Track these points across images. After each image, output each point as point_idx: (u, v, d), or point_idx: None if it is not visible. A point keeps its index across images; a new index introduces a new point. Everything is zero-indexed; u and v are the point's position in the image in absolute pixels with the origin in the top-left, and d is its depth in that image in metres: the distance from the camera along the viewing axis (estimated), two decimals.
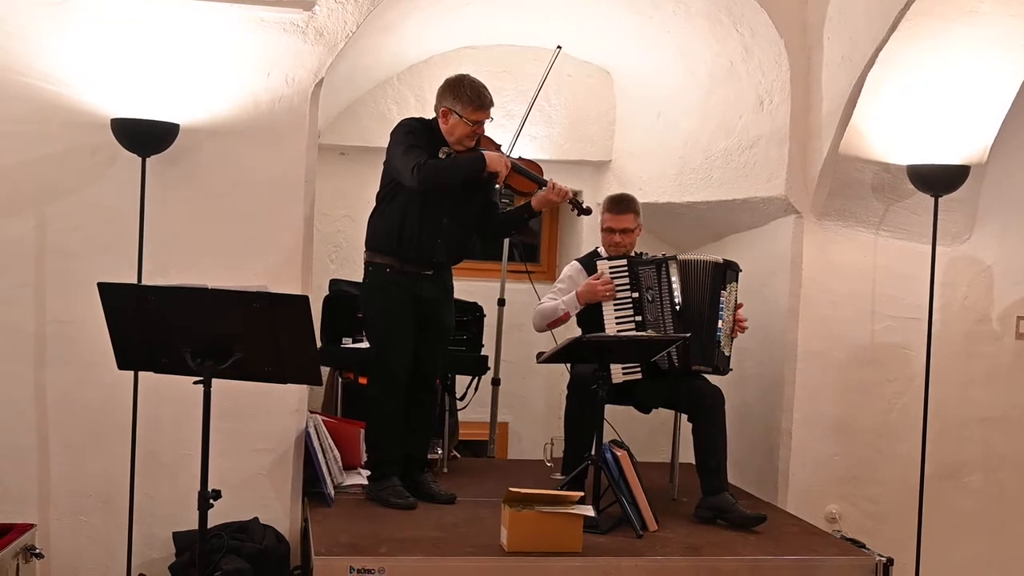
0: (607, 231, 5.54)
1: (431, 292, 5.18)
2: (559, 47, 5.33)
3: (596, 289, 5.34)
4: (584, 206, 5.35)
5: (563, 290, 5.53)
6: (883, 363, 5.95)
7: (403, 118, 5.30)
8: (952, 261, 5.97)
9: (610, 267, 5.38)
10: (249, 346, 3.66)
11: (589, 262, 5.55)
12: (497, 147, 5.22)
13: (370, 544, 4.48)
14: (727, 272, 5.38)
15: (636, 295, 5.34)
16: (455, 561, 4.40)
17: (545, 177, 5.27)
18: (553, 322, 5.51)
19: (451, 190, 5.04)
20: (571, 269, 5.65)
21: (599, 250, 5.66)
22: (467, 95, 5.04)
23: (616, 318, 5.33)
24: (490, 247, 6.78)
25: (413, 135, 5.05)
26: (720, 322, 5.33)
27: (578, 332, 5.43)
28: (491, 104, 5.10)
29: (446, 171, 5.00)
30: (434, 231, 5.08)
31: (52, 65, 4.85)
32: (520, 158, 5.30)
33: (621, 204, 5.56)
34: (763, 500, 5.77)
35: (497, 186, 5.27)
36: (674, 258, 5.39)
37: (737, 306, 5.43)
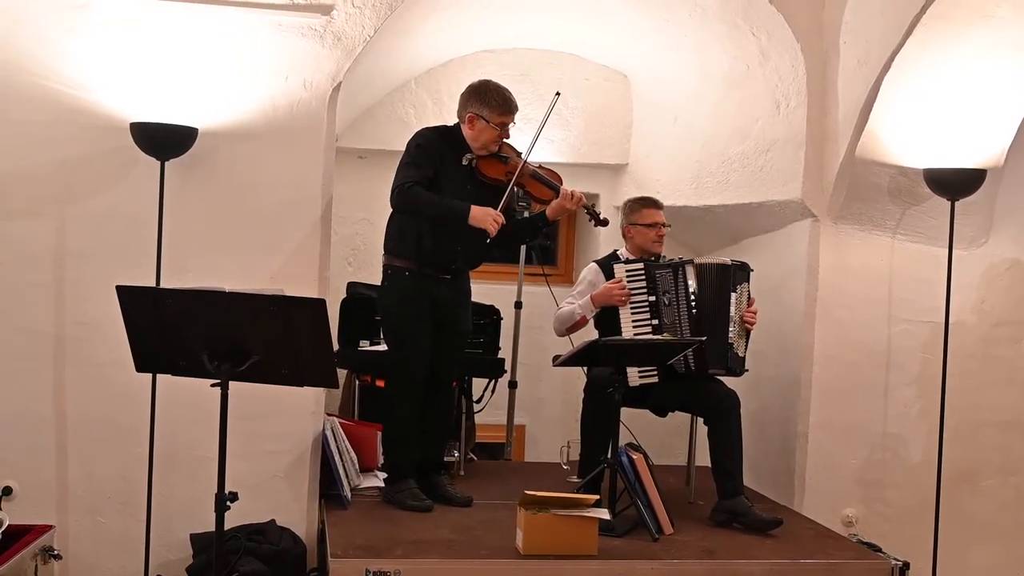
0: (651, 226, 5.53)
1: (449, 295, 5.19)
2: (558, 93, 5.33)
3: (612, 293, 5.35)
4: (601, 216, 5.34)
5: (581, 292, 5.54)
6: (900, 366, 5.94)
7: (421, 127, 5.32)
8: (969, 265, 5.95)
9: (627, 271, 5.39)
10: (266, 349, 3.68)
11: (607, 264, 5.56)
12: (518, 154, 5.22)
13: (386, 546, 4.49)
14: (737, 273, 5.39)
15: (653, 298, 5.35)
16: (471, 564, 4.42)
17: (563, 184, 5.27)
18: (571, 326, 5.54)
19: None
20: (589, 272, 5.66)
21: (618, 253, 5.66)
22: (494, 100, 5.08)
23: (633, 321, 5.34)
24: (508, 250, 6.78)
25: (421, 150, 5.07)
26: (731, 323, 5.34)
27: (595, 335, 5.43)
28: (517, 108, 5.14)
29: (424, 207, 5.01)
30: (453, 238, 5.08)
31: (72, 69, 4.88)
32: (540, 165, 5.29)
33: (657, 202, 5.64)
34: (779, 503, 5.77)
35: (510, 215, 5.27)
36: (691, 261, 5.40)
37: (749, 302, 5.44)
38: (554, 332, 5.66)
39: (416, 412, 5.19)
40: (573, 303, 5.52)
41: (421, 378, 5.15)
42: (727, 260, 5.43)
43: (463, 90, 5.22)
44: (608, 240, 7.09)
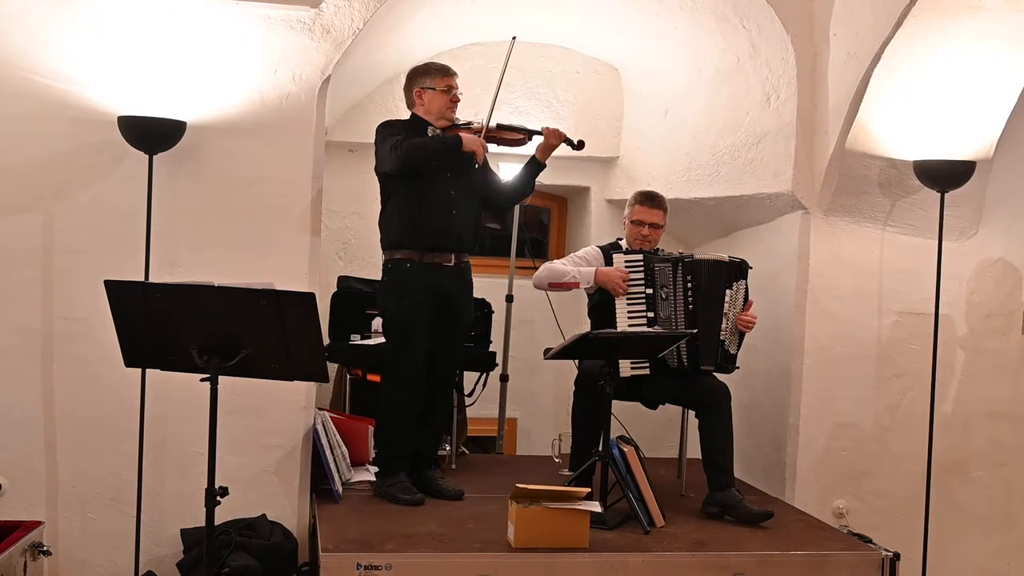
0: (636, 223, 5.51)
1: (452, 286, 5.18)
2: (514, 37, 5.34)
3: (616, 280, 5.32)
4: (576, 141, 5.34)
5: (576, 263, 5.51)
6: (890, 358, 5.94)
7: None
8: (959, 256, 5.95)
9: (626, 260, 5.37)
10: (256, 343, 3.67)
11: (608, 252, 5.52)
12: (479, 121, 5.26)
13: (377, 540, 4.48)
14: (733, 270, 5.39)
15: (650, 291, 5.33)
16: (462, 557, 4.41)
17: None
18: (556, 284, 5.46)
19: (430, 168, 5.08)
20: (592, 251, 5.61)
21: (620, 242, 5.64)
22: (433, 68, 5.25)
23: (628, 313, 5.32)
24: (500, 242, 6.78)
25: (391, 127, 5.13)
26: (724, 320, 5.33)
27: (586, 325, 5.42)
28: (455, 73, 5.24)
29: (423, 148, 5.04)
30: (445, 206, 5.10)
31: (60, 63, 4.87)
32: (498, 124, 5.30)
33: (654, 199, 5.56)
34: (770, 495, 5.78)
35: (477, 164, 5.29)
36: (691, 256, 5.39)
37: (747, 304, 5.43)
38: (533, 281, 5.58)
39: (414, 407, 5.18)
40: (568, 267, 5.49)
41: (420, 371, 5.14)
42: (724, 257, 5.44)
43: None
44: (600, 231, 7.11)
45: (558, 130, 5.28)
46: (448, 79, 5.19)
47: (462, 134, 5.07)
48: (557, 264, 5.53)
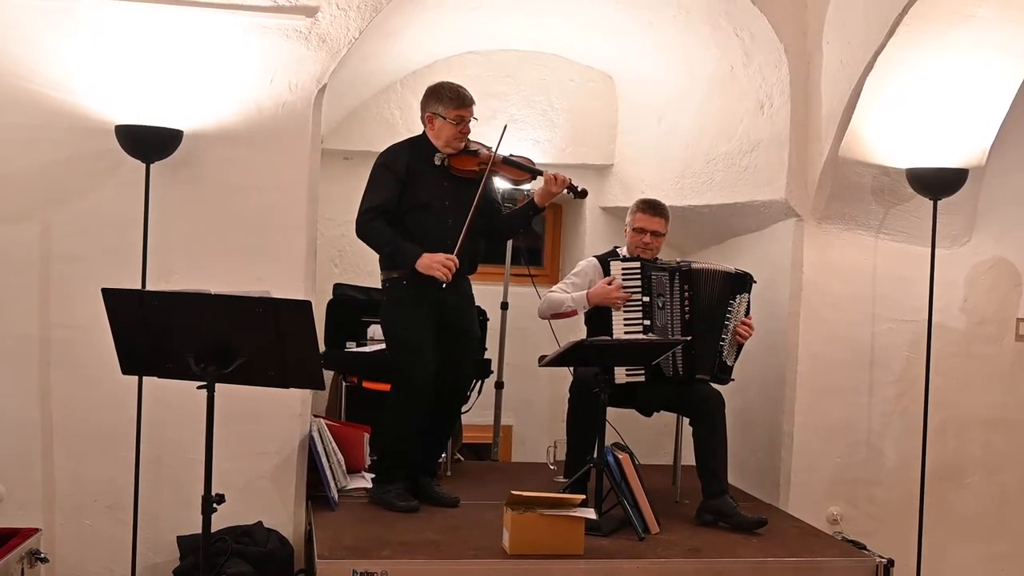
0: (638, 231, 5.52)
1: (451, 299, 5.17)
2: (506, 126, 5.34)
3: (610, 295, 5.33)
4: (579, 189, 5.29)
5: (576, 284, 5.52)
6: (884, 365, 5.96)
7: (388, 145, 5.34)
8: (952, 263, 5.97)
9: (623, 268, 5.37)
10: (252, 351, 3.68)
11: (607, 261, 5.52)
12: (488, 149, 5.24)
13: (373, 547, 4.50)
14: (738, 283, 5.40)
15: (647, 299, 5.34)
16: (457, 564, 4.43)
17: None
18: (557, 314, 5.52)
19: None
20: (588, 265, 5.63)
21: (618, 250, 5.65)
22: (447, 95, 5.14)
23: (625, 320, 5.32)
24: (494, 249, 6.78)
25: (384, 169, 5.15)
26: (725, 332, 5.35)
27: (582, 333, 5.43)
28: (472, 102, 5.18)
29: (378, 243, 5.13)
30: (441, 238, 5.07)
31: (57, 72, 4.87)
32: (511, 155, 5.30)
33: (656, 208, 5.57)
34: (764, 502, 5.80)
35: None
36: (689, 266, 5.40)
37: (747, 317, 5.44)
38: (537, 313, 5.62)
39: (421, 423, 5.16)
40: (567, 292, 5.50)
41: (428, 386, 5.11)
42: (731, 269, 5.44)
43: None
44: (595, 239, 7.13)
45: (562, 177, 5.19)
46: (460, 111, 5.12)
47: (426, 256, 4.97)
48: (555, 294, 5.54)
